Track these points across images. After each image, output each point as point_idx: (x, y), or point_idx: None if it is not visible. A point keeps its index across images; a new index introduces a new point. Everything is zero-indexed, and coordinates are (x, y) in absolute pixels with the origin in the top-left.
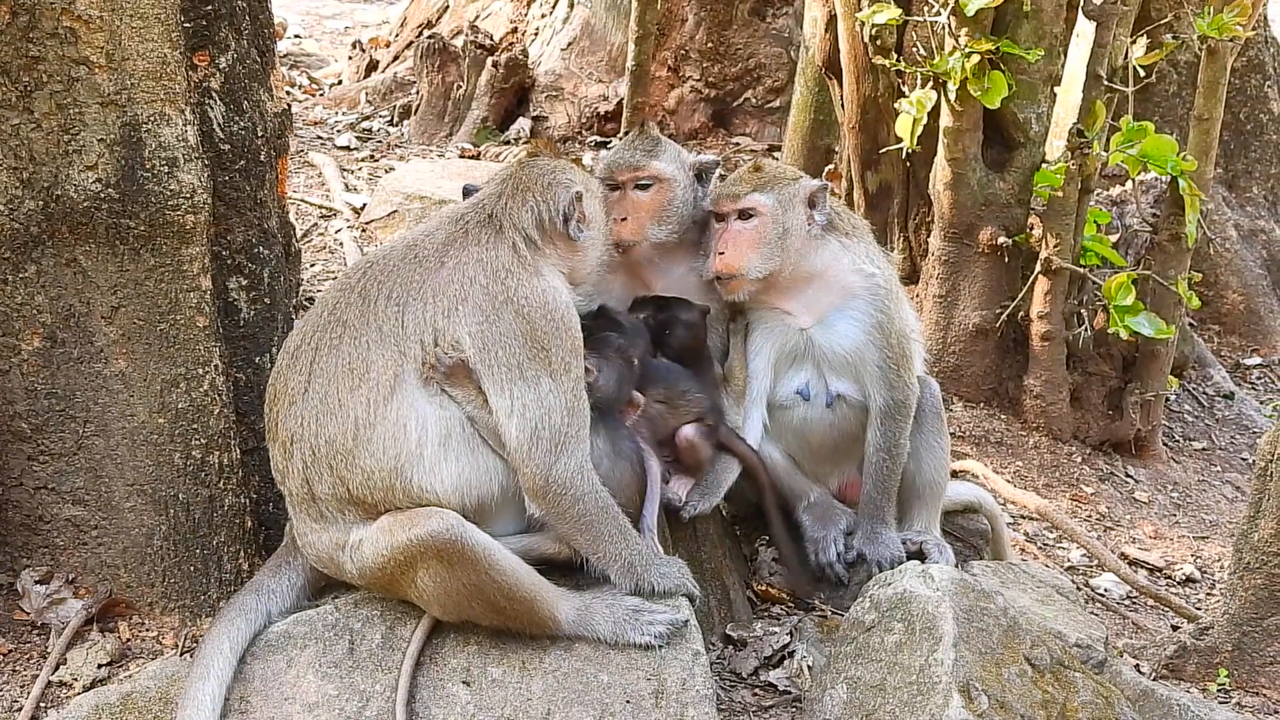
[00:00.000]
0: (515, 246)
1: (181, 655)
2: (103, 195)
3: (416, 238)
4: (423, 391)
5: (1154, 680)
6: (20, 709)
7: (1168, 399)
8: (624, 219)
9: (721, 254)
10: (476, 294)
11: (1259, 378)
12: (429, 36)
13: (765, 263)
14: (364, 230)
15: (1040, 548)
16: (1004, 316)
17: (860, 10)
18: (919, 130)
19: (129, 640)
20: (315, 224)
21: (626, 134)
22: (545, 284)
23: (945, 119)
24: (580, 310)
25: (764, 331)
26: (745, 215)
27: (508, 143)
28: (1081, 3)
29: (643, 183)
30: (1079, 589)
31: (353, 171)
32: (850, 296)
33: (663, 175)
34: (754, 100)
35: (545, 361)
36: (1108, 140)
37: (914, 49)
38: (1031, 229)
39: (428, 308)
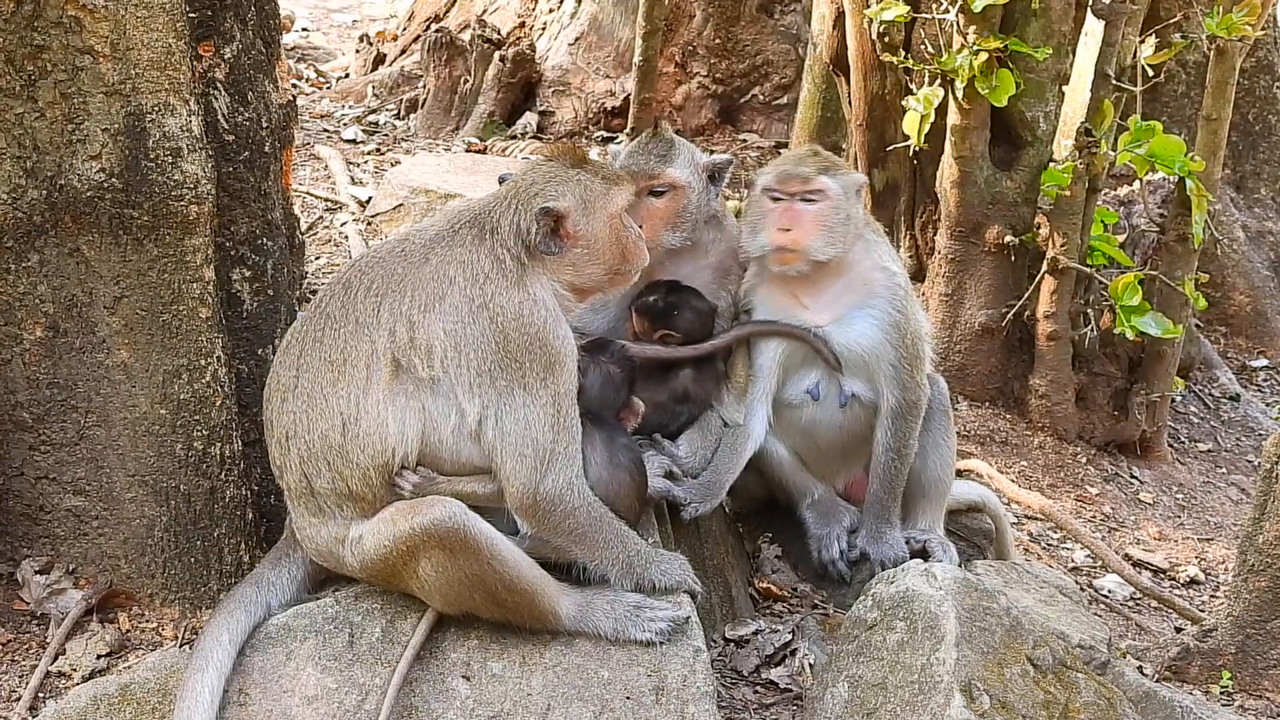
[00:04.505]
0: (496, 253)
1: (181, 647)
2: (106, 185)
3: (410, 233)
4: (394, 384)
5: (1157, 682)
6: (19, 699)
7: (1173, 400)
8: (639, 226)
9: (786, 230)
10: (455, 295)
11: (1265, 380)
12: (436, 30)
13: (828, 246)
14: (369, 224)
15: (1044, 548)
16: (1010, 316)
17: (868, 7)
18: (926, 128)
19: (128, 631)
20: (321, 217)
21: (634, 131)
22: (524, 295)
23: (953, 117)
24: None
25: None
26: (809, 197)
27: (514, 137)
28: (1090, 1)
29: (657, 190)
30: (1082, 590)
31: (359, 165)
32: (870, 295)
33: (678, 183)
34: (761, 97)
35: (519, 375)
36: (1115, 140)
37: (922, 46)
38: (1038, 228)
39: (405, 301)
